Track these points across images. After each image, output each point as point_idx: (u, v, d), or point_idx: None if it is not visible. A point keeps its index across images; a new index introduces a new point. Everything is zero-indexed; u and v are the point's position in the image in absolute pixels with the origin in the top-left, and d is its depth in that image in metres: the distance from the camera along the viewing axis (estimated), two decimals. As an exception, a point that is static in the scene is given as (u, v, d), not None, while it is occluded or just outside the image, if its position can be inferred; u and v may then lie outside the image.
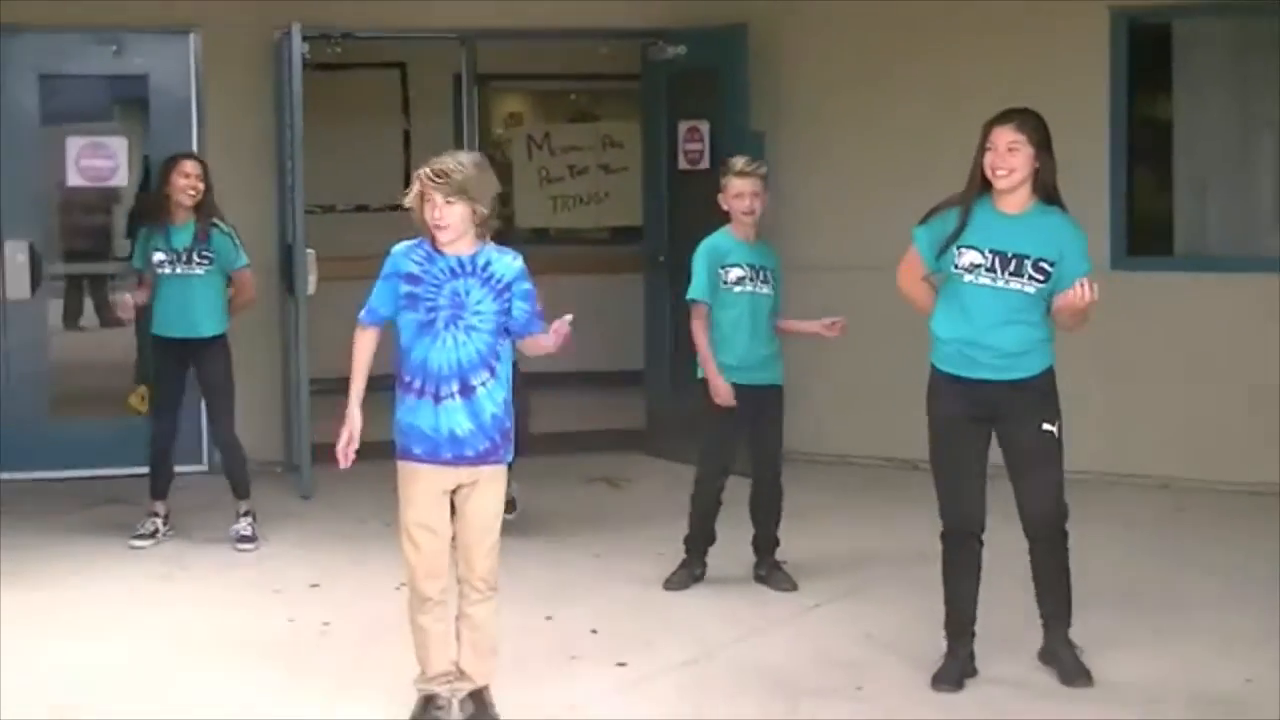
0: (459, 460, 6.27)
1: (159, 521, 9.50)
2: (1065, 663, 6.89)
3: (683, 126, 11.61)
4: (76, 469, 10.96)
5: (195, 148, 11.17)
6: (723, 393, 8.25)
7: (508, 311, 6.30)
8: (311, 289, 10.59)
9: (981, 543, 6.88)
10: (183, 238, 9.30)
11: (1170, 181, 11.26)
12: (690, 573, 8.51)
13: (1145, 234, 11.03)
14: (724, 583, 8.53)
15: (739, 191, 8.37)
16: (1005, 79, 10.21)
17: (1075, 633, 7.00)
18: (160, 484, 9.51)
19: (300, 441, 10.71)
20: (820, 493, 10.53)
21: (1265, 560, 8.69)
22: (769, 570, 8.53)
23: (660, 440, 11.52)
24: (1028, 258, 6.59)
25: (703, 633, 7.75)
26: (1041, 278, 6.60)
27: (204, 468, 10.66)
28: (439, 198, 6.14)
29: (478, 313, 6.24)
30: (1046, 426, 6.74)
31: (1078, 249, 6.67)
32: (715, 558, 8.59)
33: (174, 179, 9.31)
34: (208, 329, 9.35)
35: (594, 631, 7.76)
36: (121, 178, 11.38)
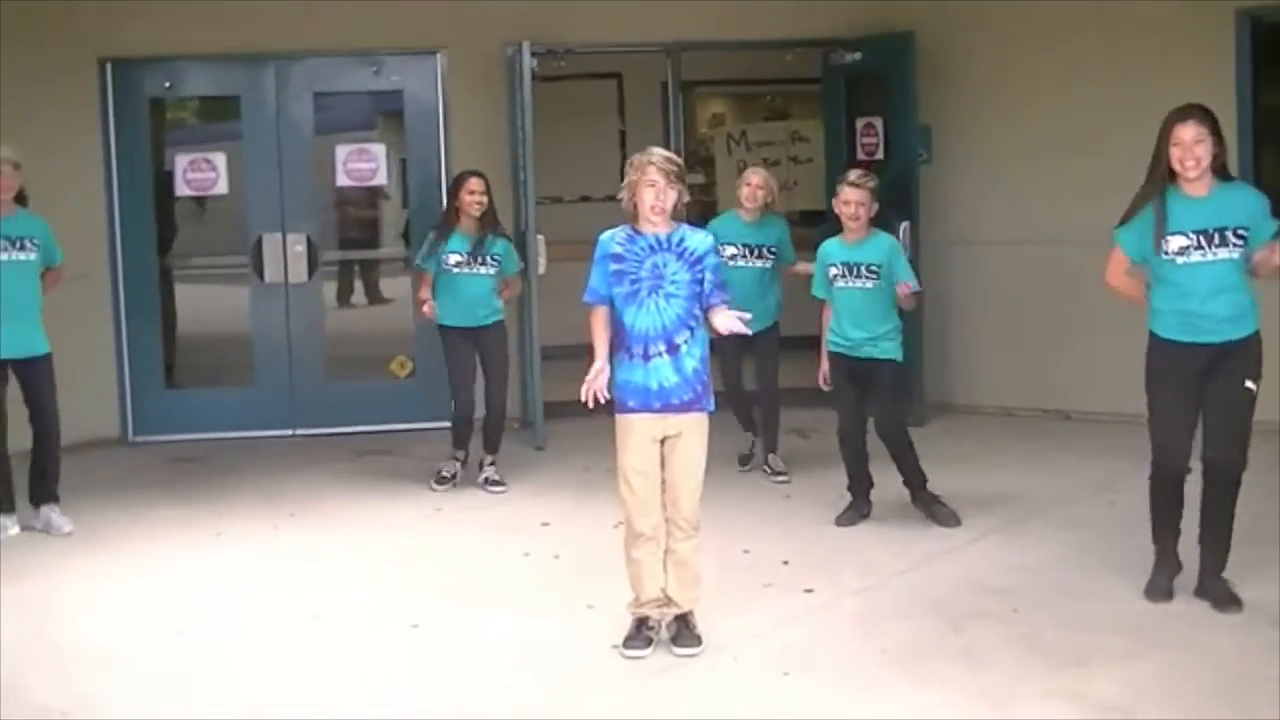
0: (666, 409, 6.35)
1: (458, 466, 9.68)
2: (1217, 593, 6.81)
3: (860, 123, 11.59)
4: (350, 425, 11.15)
5: (442, 152, 11.46)
6: (821, 373, 8.52)
7: (700, 281, 6.37)
8: (542, 269, 10.71)
9: (1184, 481, 6.84)
10: (466, 244, 9.45)
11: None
12: (858, 512, 8.53)
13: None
14: (895, 519, 8.51)
15: (846, 199, 8.40)
16: (1144, 73, 10.04)
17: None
18: (463, 436, 9.68)
19: (534, 400, 10.87)
20: (983, 442, 10.55)
21: None
22: (928, 504, 8.49)
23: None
24: (1226, 228, 6.57)
25: (877, 563, 7.75)
26: (1240, 243, 6.57)
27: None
28: (664, 182, 6.25)
29: (674, 281, 6.34)
30: (1249, 384, 6.69)
31: (1262, 211, 6.66)
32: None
33: (462, 195, 9.51)
34: (493, 318, 9.56)
35: (785, 563, 7.78)
36: (381, 178, 11.55)
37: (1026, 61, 11.13)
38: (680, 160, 6.40)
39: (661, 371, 6.35)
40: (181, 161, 11.54)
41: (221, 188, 11.58)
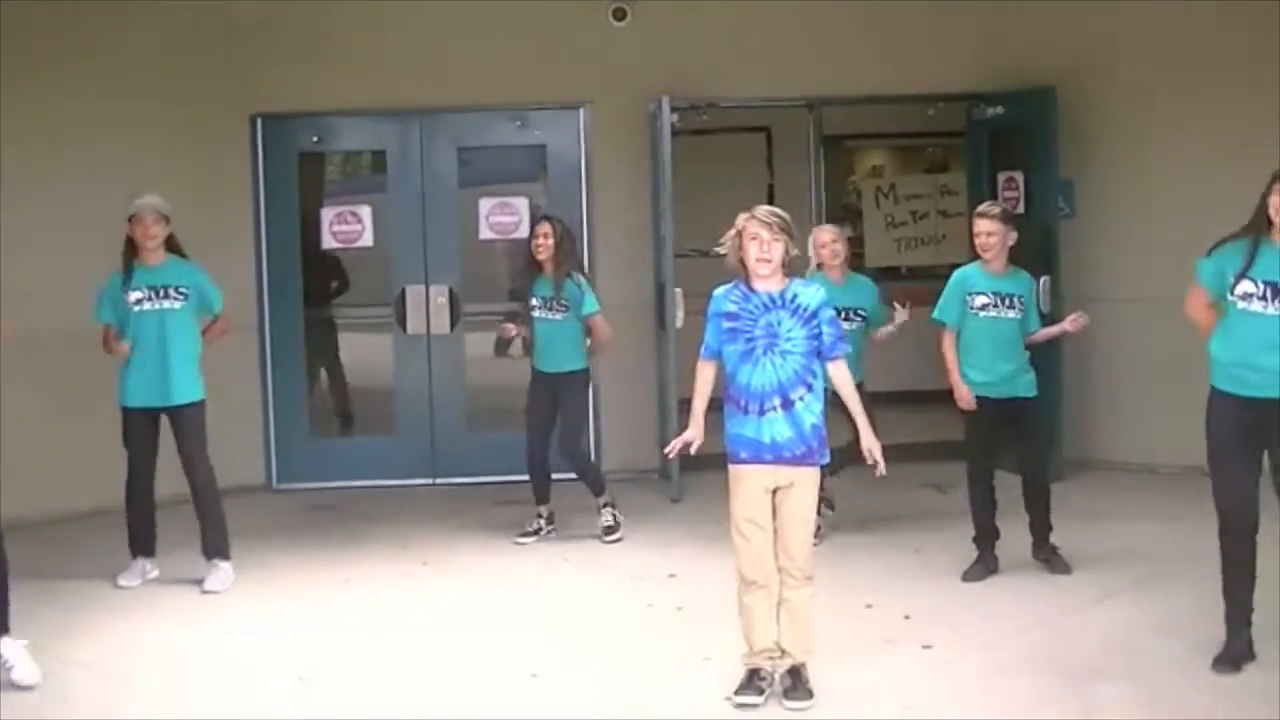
0: (778, 461, 6.34)
1: (542, 521, 9.67)
2: None
3: (1001, 177, 11.43)
4: (489, 475, 11.11)
5: (584, 205, 11.51)
6: (964, 397, 8.32)
7: (817, 336, 6.37)
8: (679, 323, 10.66)
9: (1255, 537, 6.68)
10: (544, 288, 9.46)
11: None
12: (985, 567, 8.40)
13: None
14: (1022, 573, 8.39)
15: (979, 229, 8.36)
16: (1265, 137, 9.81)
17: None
18: (539, 489, 9.66)
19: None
20: (1121, 498, 10.40)
21: None
22: (1048, 555, 8.43)
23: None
24: None
25: (1001, 619, 7.64)
26: None
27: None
28: (766, 235, 6.26)
29: (790, 339, 6.33)
30: None
31: None
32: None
33: (531, 240, 9.54)
34: (567, 365, 9.49)
35: (907, 618, 7.70)
36: (524, 232, 11.48)
37: (1168, 117, 10.98)
38: (785, 215, 6.37)
39: (775, 426, 6.34)
40: (328, 214, 11.73)
41: (367, 240, 11.73)
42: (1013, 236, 8.40)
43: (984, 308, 8.33)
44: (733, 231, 6.38)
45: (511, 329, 9.54)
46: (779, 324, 6.32)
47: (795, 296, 6.36)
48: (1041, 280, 10.55)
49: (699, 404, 6.56)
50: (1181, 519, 9.32)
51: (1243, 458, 6.65)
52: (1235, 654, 6.71)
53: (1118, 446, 11.21)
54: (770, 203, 14.12)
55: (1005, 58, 11.43)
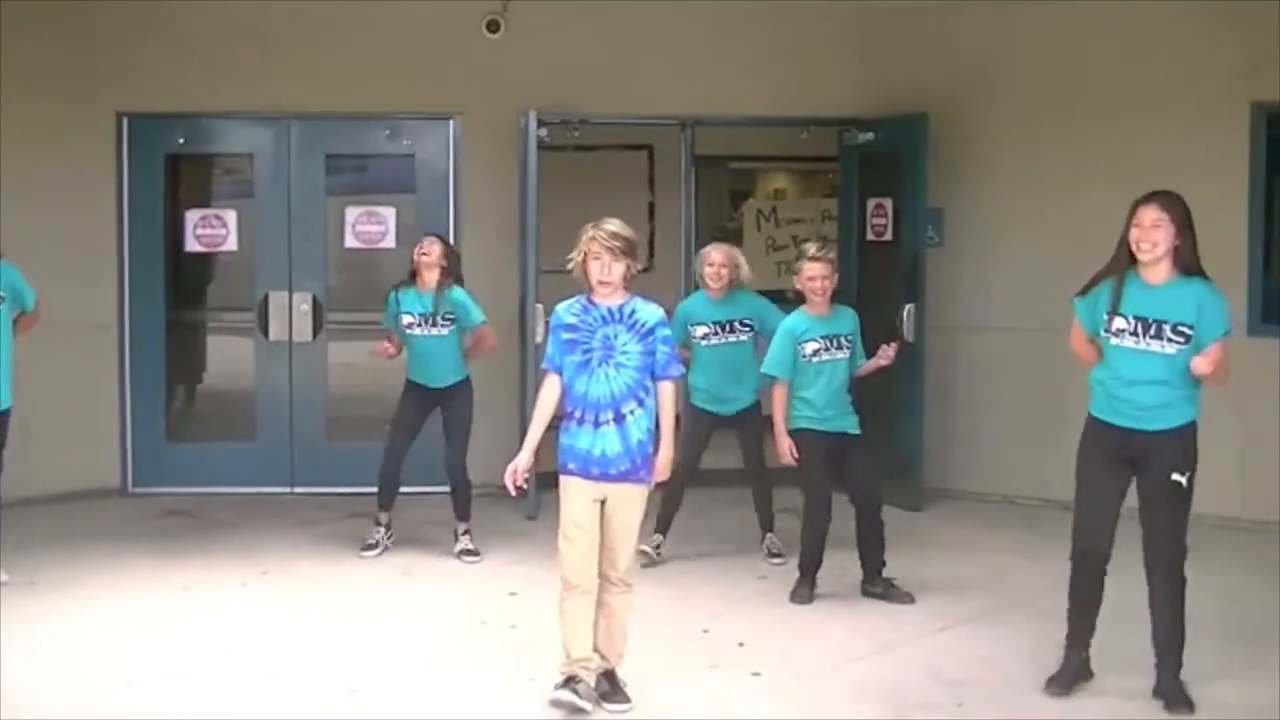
0: (604, 477, 6.42)
1: (382, 530, 9.47)
2: (1170, 695, 6.57)
3: (871, 203, 11.32)
4: (347, 485, 10.81)
5: (452, 217, 11.36)
6: (784, 451, 8.33)
7: (652, 353, 6.44)
8: (539, 337, 10.42)
9: (1105, 568, 6.66)
10: (420, 303, 9.28)
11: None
12: (812, 589, 8.37)
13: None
14: (865, 605, 8.29)
15: (811, 274, 8.32)
16: (1157, 163, 9.70)
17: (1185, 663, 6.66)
18: (387, 499, 9.47)
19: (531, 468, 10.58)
20: (978, 529, 10.32)
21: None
22: (883, 587, 8.35)
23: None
24: (1166, 323, 6.43)
25: (834, 648, 7.53)
26: (1181, 340, 6.41)
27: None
28: (607, 256, 6.32)
29: (625, 352, 6.42)
30: (1176, 476, 6.49)
31: (1214, 313, 6.44)
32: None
33: (416, 253, 9.36)
34: (454, 377, 9.33)
35: (741, 644, 7.57)
36: (390, 242, 11.42)
37: (1040, 148, 10.93)
38: (629, 233, 6.42)
39: (607, 439, 6.40)
40: (192, 217, 11.52)
41: (231, 245, 11.55)
42: (835, 279, 8.39)
43: (816, 353, 8.31)
44: (579, 249, 6.40)
45: (390, 349, 9.42)
46: (615, 337, 6.42)
47: (634, 312, 6.46)
48: (907, 308, 10.51)
49: (537, 424, 6.58)
50: (1035, 552, 9.25)
51: (1108, 486, 6.63)
52: (1071, 673, 6.72)
53: (978, 477, 11.14)
54: (650, 220, 14.20)
55: (880, 85, 11.40)
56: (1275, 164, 10.28)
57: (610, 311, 6.43)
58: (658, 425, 6.52)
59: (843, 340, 8.33)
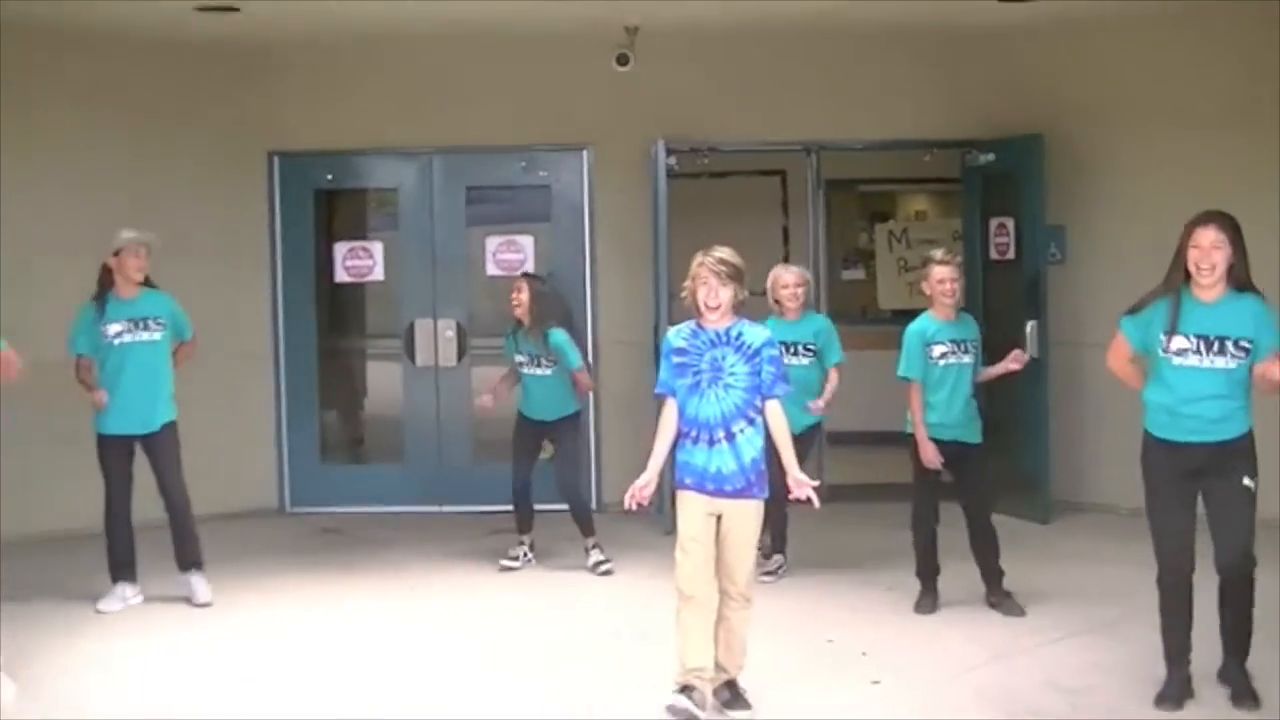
0: (719, 494, 6.52)
1: (524, 548, 9.70)
2: (1236, 686, 6.67)
3: (993, 222, 11.36)
4: (492, 504, 10.89)
5: (588, 244, 11.60)
6: (930, 456, 8.30)
7: (759, 373, 6.52)
8: (674, 359, 10.61)
9: (1191, 584, 6.67)
10: (527, 344, 9.52)
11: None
12: (934, 599, 8.45)
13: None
14: (985, 614, 8.34)
15: (941, 277, 8.37)
16: (1265, 183, 9.70)
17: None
18: (523, 521, 9.70)
19: (664, 485, 10.73)
20: (1103, 541, 10.23)
21: None
22: (999, 598, 8.39)
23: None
24: (1228, 338, 6.46)
25: (952, 658, 7.59)
26: (1242, 354, 6.46)
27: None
28: (715, 281, 6.47)
29: (733, 373, 6.52)
30: (1246, 482, 6.53)
31: (1270, 326, 6.48)
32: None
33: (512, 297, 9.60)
34: (560, 412, 9.54)
35: (863, 654, 7.66)
36: (529, 269, 11.53)
37: (1155, 161, 10.88)
38: (736, 260, 6.56)
39: (722, 457, 6.51)
40: (341, 249, 11.84)
41: (378, 275, 11.84)
42: (963, 283, 8.50)
43: (944, 356, 8.35)
44: (689, 276, 6.57)
45: (489, 405, 9.72)
46: (723, 359, 6.52)
47: (740, 334, 6.56)
48: (1030, 324, 10.53)
49: (659, 445, 6.71)
50: (1144, 563, 9.05)
51: (1181, 501, 6.65)
52: (1175, 692, 6.70)
53: (1105, 490, 11.06)
54: (785, 244, 14.34)
55: (998, 105, 11.43)
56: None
57: (718, 335, 6.54)
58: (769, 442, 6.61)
59: (969, 345, 8.37)
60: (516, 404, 9.71)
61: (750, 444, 6.52)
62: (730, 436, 6.50)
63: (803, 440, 8.97)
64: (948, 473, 8.42)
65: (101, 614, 8.57)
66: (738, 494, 6.51)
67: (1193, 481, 6.61)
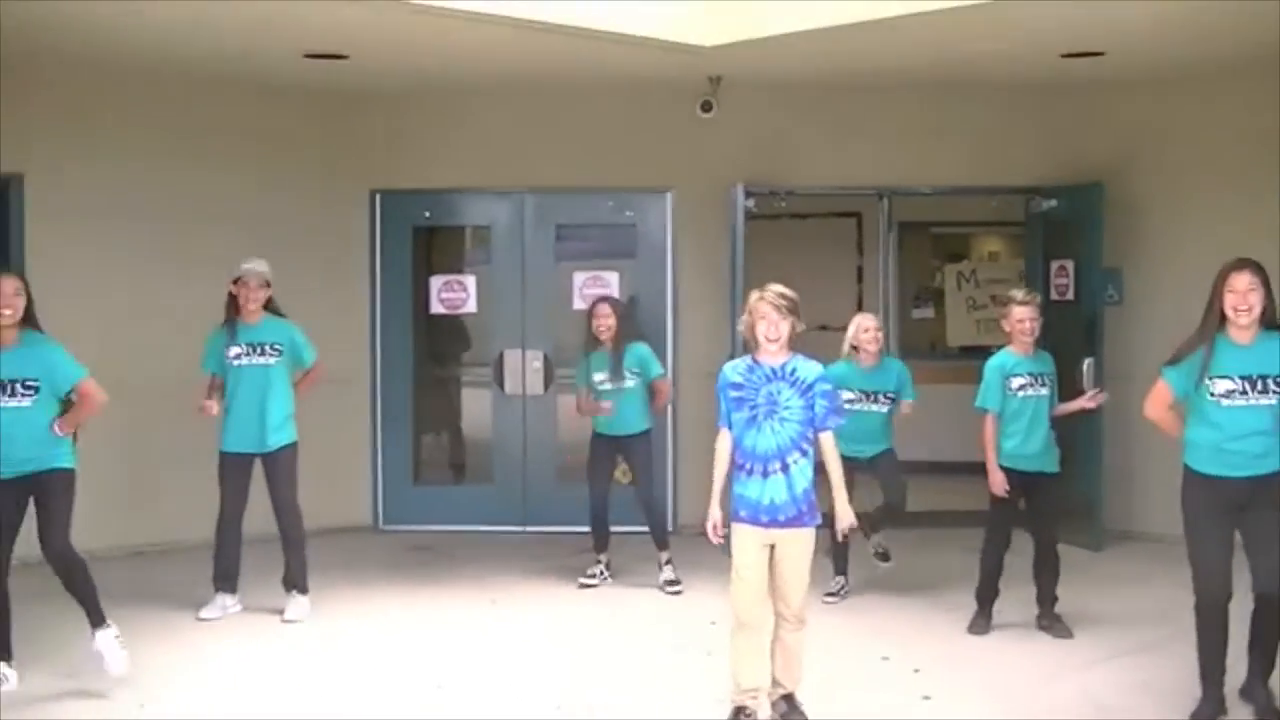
0: (773, 524, 6.61)
1: (601, 567, 9.94)
2: (1260, 702, 6.85)
3: (1054, 264, 11.53)
4: (575, 525, 11.05)
5: (669, 280, 11.81)
6: (998, 483, 8.47)
7: (812, 406, 6.62)
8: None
9: (1228, 610, 6.81)
10: (602, 363, 9.76)
11: None
12: (988, 620, 8.60)
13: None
14: (1036, 637, 8.51)
15: (1020, 317, 8.53)
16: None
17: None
18: (600, 540, 9.94)
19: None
20: (1152, 567, 10.30)
21: None
22: (1050, 621, 8.55)
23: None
24: (1269, 376, 6.64)
25: (1001, 676, 7.74)
26: (1279, 390, 6.62)
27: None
28: (775, 315, 6.57)
29: (788, 407, 6.61)
30: None
31: None
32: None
33: (592, 319, 9.85)
34: (636, 428, 9.74)
35: (916, 670, 7.83)
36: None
37: (1206, 211, 11.02)
38: (793, 294, 6.65)
39: (775, 488, 6.59)
40: (436, 282, 12.11)
41: (471, 307, 12.13)
42: (1041, 321, 8.63)
43: (1022, 388, 8.52)
44: (746, 310, 6.70)
45: (607, 409, 9.82)
46: (779, 394, 6.61)
47: (794, 370, 6.65)
48: (1087, 361, 10.68)
49: (718, 477, 6.82)
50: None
51: (1220, 532, 6.79)
52: (1210, 711, 6.85)
53: (1156, 519, 11.12)
54: (859, 282, 14.56)
55: (1060, 153, 11.61)
56: None
57: (773, 370, 6.63)
58: (817, 471, 6.71)
59: (1045, 379, 8.54)
60: (593, 425, 9.92)
61: (803, 474, 6.61)
62: (785, 468, 6.58)
63: (881, 460, 9.37)
64: (1023, 500, 8.58)
65: (202, 620, 8.90)
66: (790, 523, 6.61)
67: (1232, 514, 6.74)
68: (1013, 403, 8.51)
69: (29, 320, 7.32)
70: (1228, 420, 6.67)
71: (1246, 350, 6.68)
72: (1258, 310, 6.63)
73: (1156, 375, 6.95)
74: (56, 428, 7.28)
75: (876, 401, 9.22)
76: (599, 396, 9.79)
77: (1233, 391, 6.65)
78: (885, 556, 9.50)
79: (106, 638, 7.38)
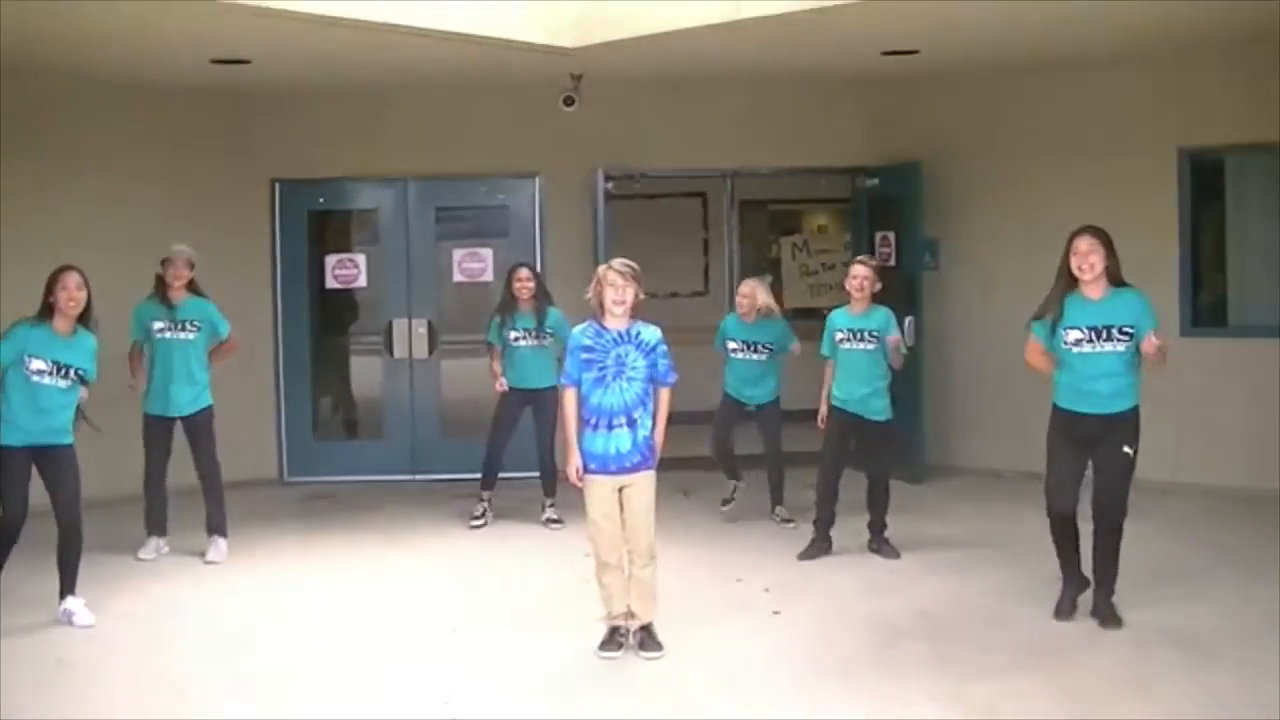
0: (620, 471, 6.74)
1: (485, 505, 10.07)
2: (1103, 612, 7.17)
3: (878, 235, 11.84)
4: (459, 473, 11.35)
5: (538, 256, 11.87)
6: (822, 418, 8.85)
7: (654, 365, 6.75)
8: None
9: (1074, 520, 7.21)
10: (525, 321, 9.88)
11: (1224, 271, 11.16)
12: (818, 548, 8.82)
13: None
14: (866, 558, 8.79)
15: (854, 274, 8.84)
16: (1100, 196, 10.24)
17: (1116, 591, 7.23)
18: (490, 481, 10.07)
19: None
20: (965, 497, 10.71)
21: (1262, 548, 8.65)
22: (880, 544, 8.85)
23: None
24: (1113, 326, 6.95)
25: (840, 592, 8.03)
26: (1126, 338, 6.94)
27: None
28: (620, 282, 6.65)
29: (634, 367, 6.72)
30: (1126, 449, 7.03)
31: (1146, 312, 6.99)
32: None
33: (513, 281, 9.95)
34: (547, 382, 9.76)
35: (766, 590, 8.05)
36: (489, 276, 11.96)
37: (1013, 189, 11.37)
38: (635, 266, 6.73)
39: (619, 439, 6.71)
40: (331, 260, 12.17)
41: (362, 282, 12.21)
42: (878, 285, 8.88)
43: (842, 341, 8.77)
44: (594, 280, 6.76)
45: (504, 383, 9.95)
46: (626, 355, 6.71)
47: (639, 334, 6.77)
48: (908, 319, 10.97)
49: (573, 430, 6.89)
50: (1011, 516, 9.69)
51: (1074, 459, 7.15)
52: (1070, 599, 7.29)
53: (970, 454, 11.59)
54: (705, 254, 14.81)
55: (882, 138, 11.91)
56: (1199, 199, 10.73)
57: (620, 334, 6.70)
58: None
59: (868, 334, 8.71)
60: (507, 380, 9.93)
61: (644, 425, 6.72)
62: (630, 422, 6.67)
63: (764, 412, 9.78)
64: (853, 440, 8.85)
65: (140, 560, 8.99)
66: (636, 468, 6.73)
67: (1086, 446, 7.09)
68: (839, 353, 8.79)
69: (85, 316, 7.55)
70: (1080, 364, 7.00)
71: (1095, 304, 6.99)
72: (1099, 268, 6.94)
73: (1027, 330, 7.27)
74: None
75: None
76: (512, 353, 9.87)
77: (1080, 340, 6.97)
78: (789, 520, 9.73)
79: (77, 603, 7.55)
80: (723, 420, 9.98)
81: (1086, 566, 7.29)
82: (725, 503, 10.03)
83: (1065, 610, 7.26)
